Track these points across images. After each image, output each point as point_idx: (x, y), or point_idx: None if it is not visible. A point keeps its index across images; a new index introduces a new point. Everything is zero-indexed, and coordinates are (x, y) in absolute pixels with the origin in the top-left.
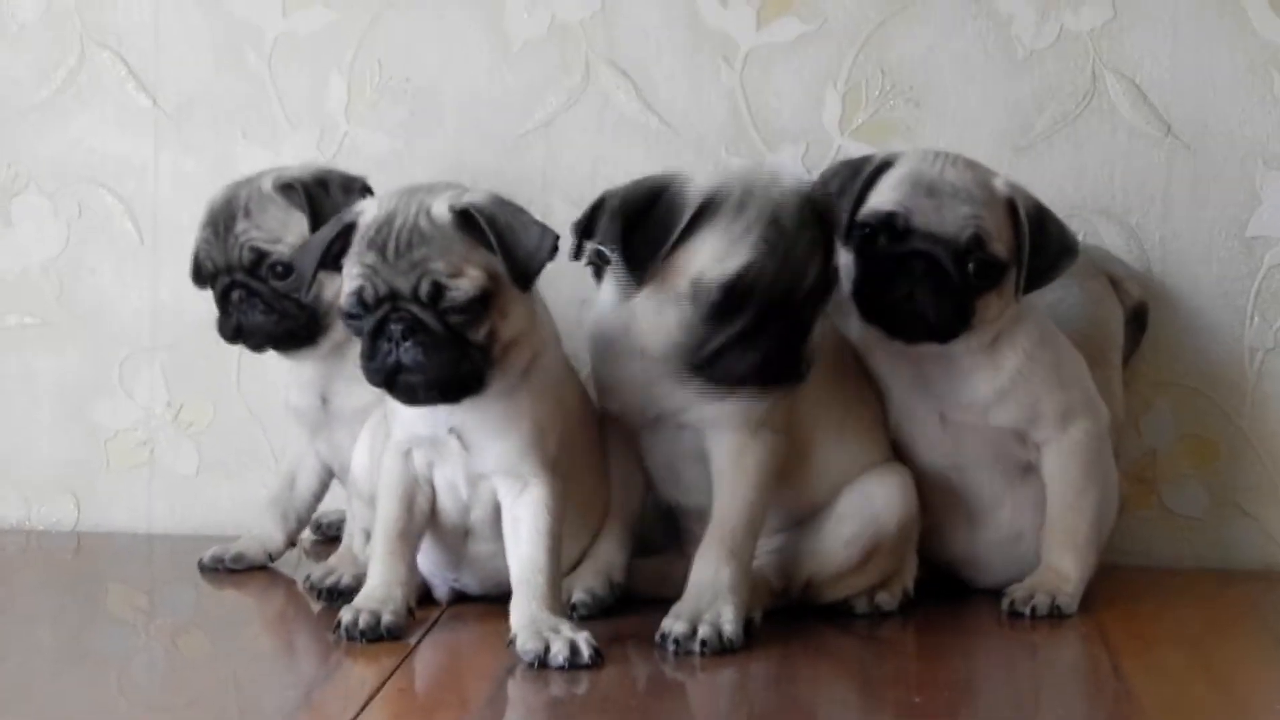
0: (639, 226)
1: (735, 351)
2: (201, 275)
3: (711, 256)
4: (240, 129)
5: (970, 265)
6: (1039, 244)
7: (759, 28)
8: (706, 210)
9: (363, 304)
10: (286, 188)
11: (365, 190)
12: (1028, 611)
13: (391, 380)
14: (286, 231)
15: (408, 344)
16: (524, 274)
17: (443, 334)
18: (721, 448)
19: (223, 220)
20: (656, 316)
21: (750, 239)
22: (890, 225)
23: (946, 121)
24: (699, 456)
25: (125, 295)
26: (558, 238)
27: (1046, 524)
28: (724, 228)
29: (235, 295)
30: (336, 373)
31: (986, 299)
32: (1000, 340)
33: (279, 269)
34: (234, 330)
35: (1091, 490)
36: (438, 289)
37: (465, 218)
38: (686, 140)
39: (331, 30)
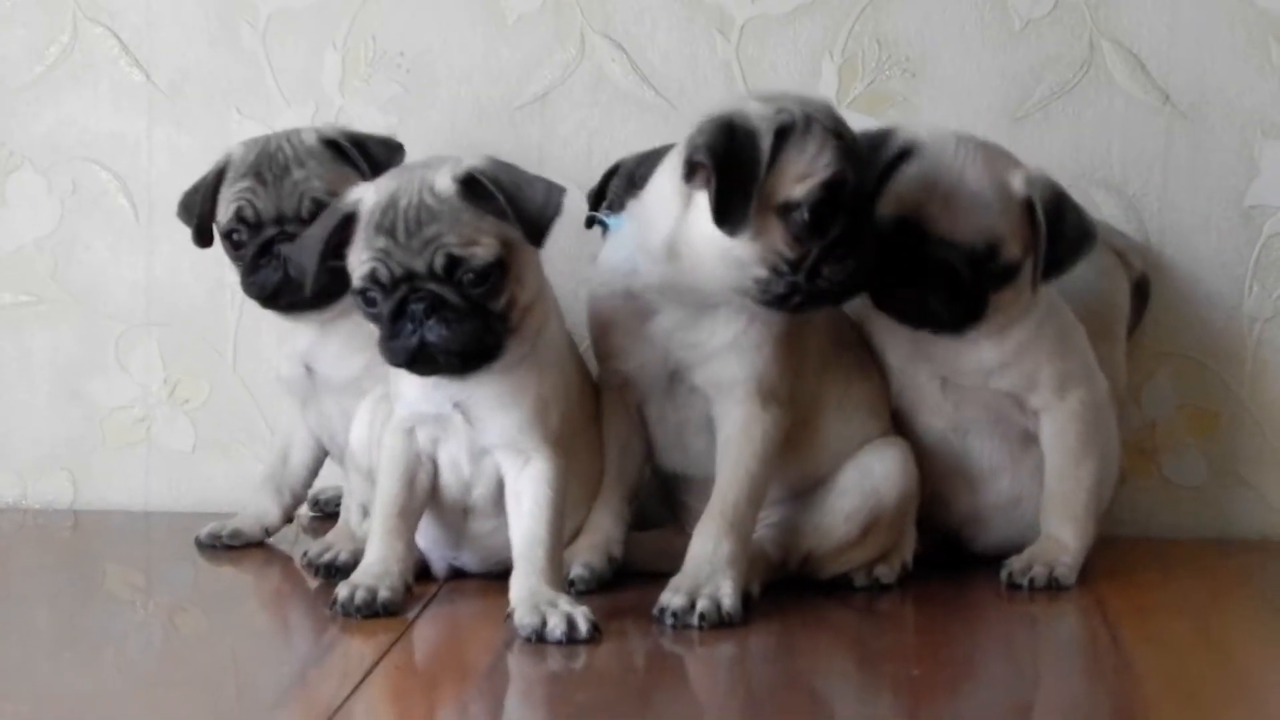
0: (726, 170)
1: (833, 260)
2: (243, 226)
3: (795, 177)
4: (234, 105)
5: (984, 270)
6: (1055, 238)
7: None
8: (779, 135)
9: (379, 286)
10: (331, 143)
11: (401, 149)
12: (1026, 583)
13: (414, 358)
14: (342, 185)
15: (431, 321)
16: (537, 229)
17: (464, 307)
18: (730, 417)
19: (270, 170)
20: (737, 252)
21: (828, 154)
22: (905, 230)
23: (943, 92)
24: (707, 425)
25: (120, 272)
26: (564, 190)
27: (1045, 494)
28: (799, 147)
29: (284, 248)
30: (324, 343)
31: (1001, 294)
32: (1008, 320)
33: None
34: (277, 285)
35: (1089, 460)
36: (454, 261)
37: (470, 186)
38: (682, 113)
39: (325, 5)
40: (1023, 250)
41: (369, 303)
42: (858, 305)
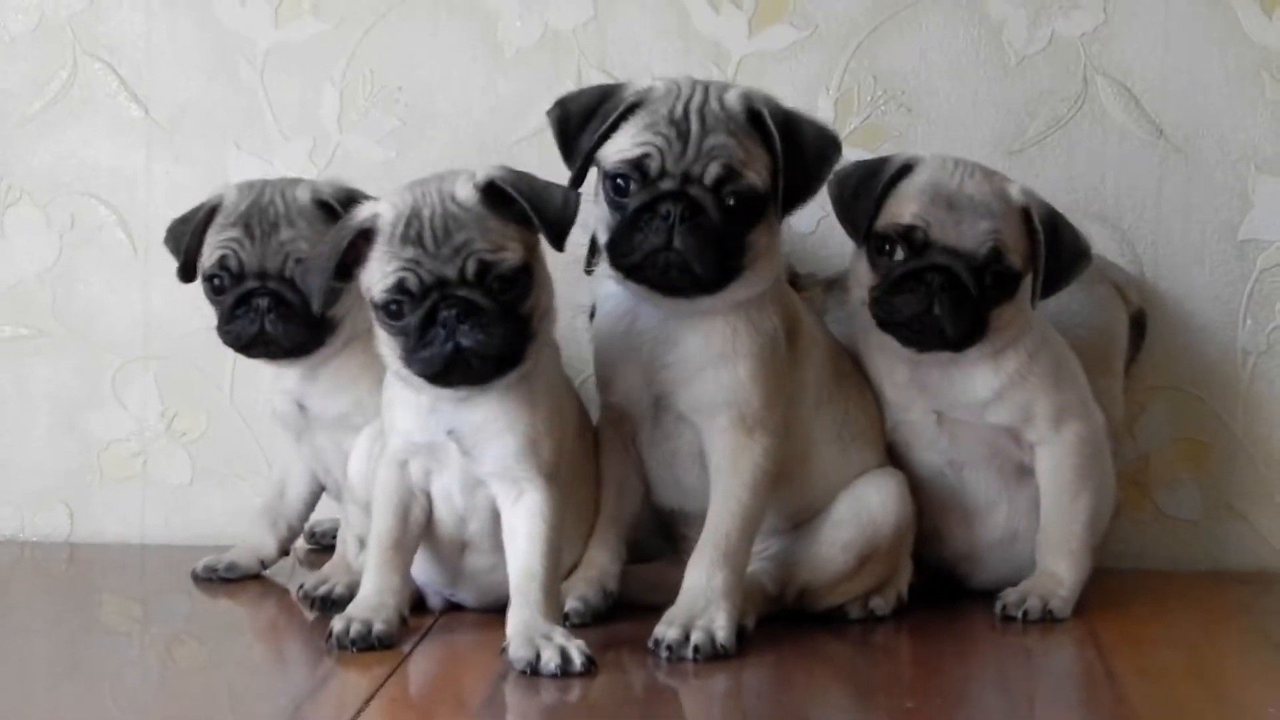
0: (584, 125)
1: (634, 235)
2: (226, 274)
3: (615, 145)
4: (233, 139)
5: (987, 278)
6: (1053, 250)
7: (751, 35)
8: (634, 106)
9: (408, 296)
10: (324, 206)
11: None
12: (1019, 615)
13: (449, 364)
14: None
15: (465, 326)
16: (559, 231)
17: (495, 310)
18: (717, 447)
19: (259, 224)
20: (595, 209)
21: (647, 133)
22: (909, 238)
23: (938, 127)
24: (699, 456)
25: (118, 305)
26: (579, 195)
27: (1041, 527)
28: (635, 121)
29: (262, 302)
30: (313, 381)
31: (1001, 309)
32: (1004, 343)
33: None
34: (253, 337)
35: (1085, 494)
36: (485, 267)
37: (490, 194)
38: None
39: (323, 40)
40: (1023, 261)
41: (394, 316)
42: (855, 337)
